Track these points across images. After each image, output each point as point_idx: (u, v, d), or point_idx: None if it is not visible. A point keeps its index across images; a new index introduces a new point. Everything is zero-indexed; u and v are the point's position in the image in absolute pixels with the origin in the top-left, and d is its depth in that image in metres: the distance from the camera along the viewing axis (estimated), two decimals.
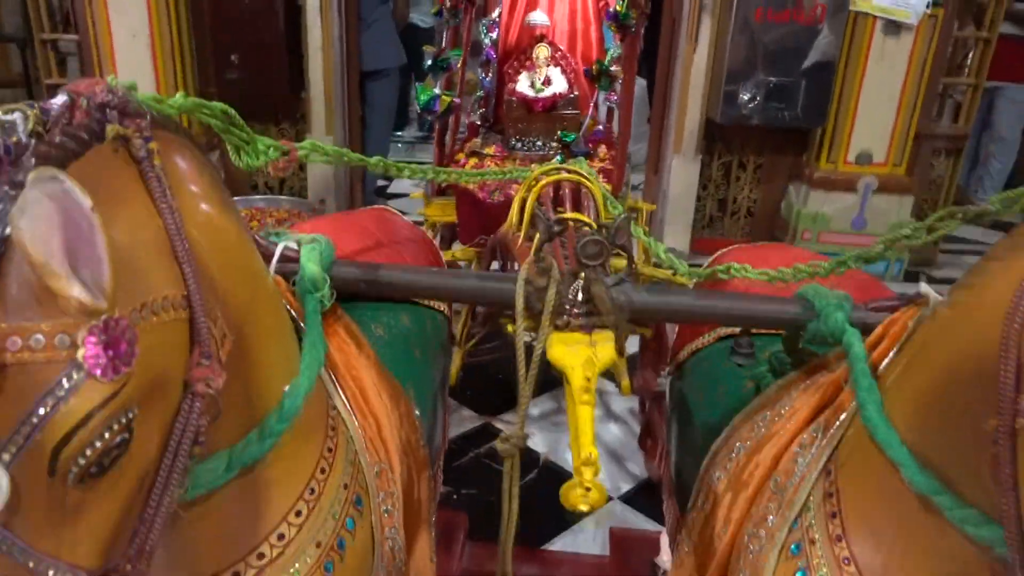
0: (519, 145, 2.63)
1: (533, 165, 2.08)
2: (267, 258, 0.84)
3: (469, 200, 2.15)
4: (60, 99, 0.52)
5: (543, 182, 1.24)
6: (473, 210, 2.13)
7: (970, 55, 3.91)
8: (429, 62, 1.99)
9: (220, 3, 3.40)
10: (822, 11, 3.55)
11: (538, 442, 2.37)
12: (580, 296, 0.78)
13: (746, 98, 3.70)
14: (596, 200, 1.20)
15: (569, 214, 1.07)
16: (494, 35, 2.87)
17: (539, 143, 2.64)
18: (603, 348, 0.77)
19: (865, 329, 0.84)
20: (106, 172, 0.50)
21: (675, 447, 1.17)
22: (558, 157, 2.18)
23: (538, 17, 2.87)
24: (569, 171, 1.29)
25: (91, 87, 0.53)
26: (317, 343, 0.77)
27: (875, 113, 3.76)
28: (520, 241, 1.16)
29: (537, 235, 0.92)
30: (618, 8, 1.92)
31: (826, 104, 3.71)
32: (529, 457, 2.31)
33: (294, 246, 0.88)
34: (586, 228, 0.99)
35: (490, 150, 2.67)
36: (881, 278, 4.08)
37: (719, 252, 1.33)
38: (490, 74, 2.92)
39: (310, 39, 3.65)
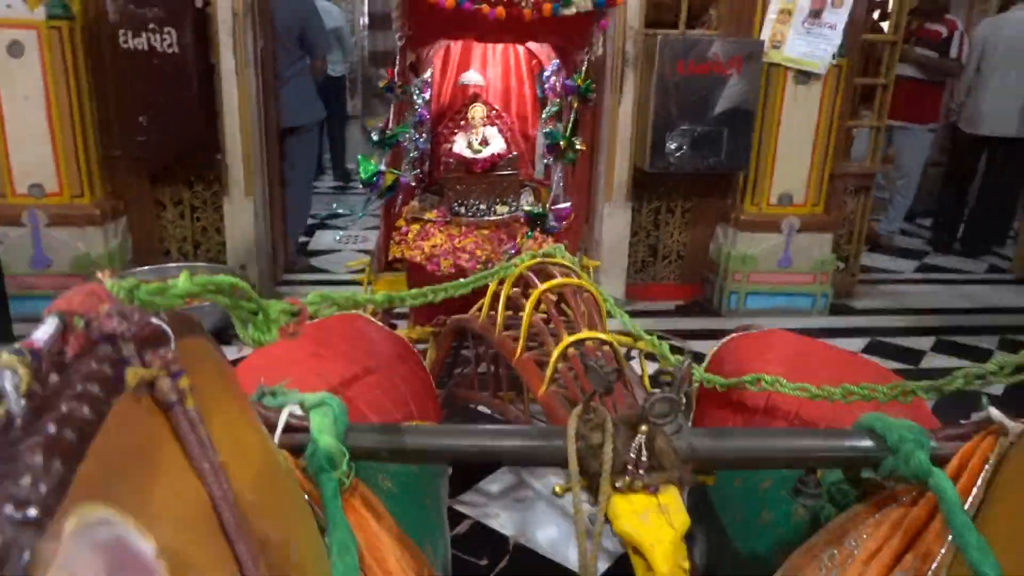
0: (462, 210, 2.54)
1: (493, 262, 2.00)
2: (270, 427, 0.71)
3: (423, 276, 2.03)
4: (48, 327, 0.39)
5: (540, 295, 1.12)
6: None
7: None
8: (376, 138, 1.87)
9: (127, 63, 3.17)
10: (738, 62, 3.67)
11: (504, 523, 2.25)
12: (643, 452, 0.68)
13: (673, 147, 3.77)
14: (599, 305, 1.10)
15: (587, 334, 0.97)
16: (427, 95, 2.79)
17: (483, 207, 2.56)
18: (676, 514, 0.68)
19: (939, 460, 0.79)
20: (130, 436, 0.38)
21: (704, 567, 1.09)
22: (528, 233, 2.10)
23: (472, 77, 2.82)
24: (572, 278, 1.17)
25: (88, 305, 0.40)
26: (348, 544, 0.65)
27: (793, 156, 3.91)
28: (519, 352, 1.06)
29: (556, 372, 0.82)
30: (578, 81, 1.88)
31: (747, 149, 3.83)
32: (496, 540, 2.18)
33: (298, 410, 0.75)
34: (604, 353, 0.90)
35: (431, 214, 2.57)
36: (808, 313, 4.24)
37: (721, 344, 1.28)
38: (424, 135, 2.84)
39: (226, 98, 3.46)
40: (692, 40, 3.69)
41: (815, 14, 3.66)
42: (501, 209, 2.51)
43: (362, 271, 3.06)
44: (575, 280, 1.09)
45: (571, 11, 1.58)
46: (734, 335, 1.29)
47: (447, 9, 1.55)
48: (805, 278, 4.11)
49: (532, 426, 1.07)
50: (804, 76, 3.78)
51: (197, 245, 3.86)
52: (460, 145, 2.78)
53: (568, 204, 2.15)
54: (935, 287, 4.85)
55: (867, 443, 0.81)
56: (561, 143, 1.89)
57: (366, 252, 4.96)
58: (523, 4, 1.56)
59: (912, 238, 5.97)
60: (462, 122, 2.86)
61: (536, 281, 1.17)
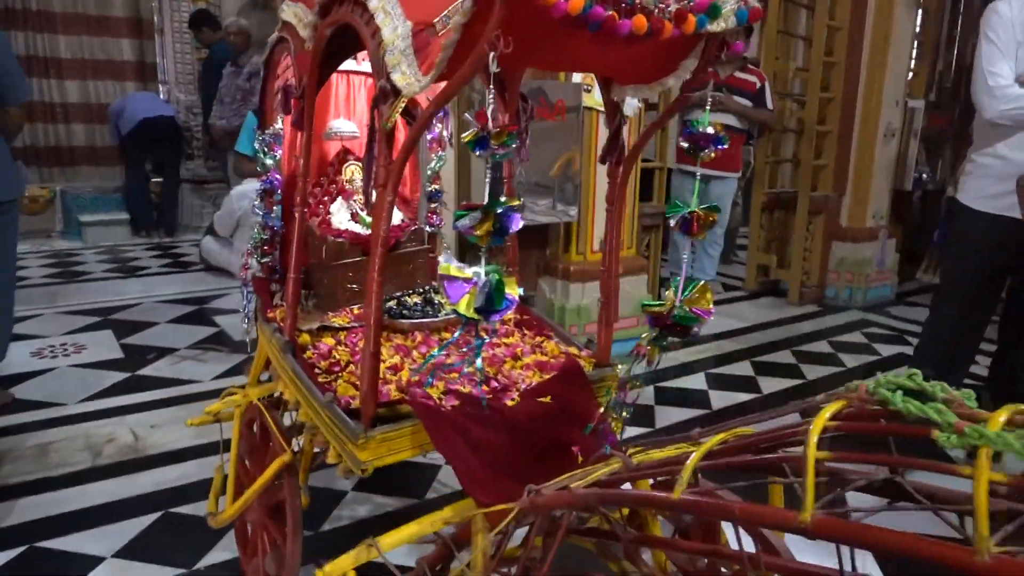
0: (392, 305, 1.84)
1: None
2: None
3: (439, 420, 1.30)
4: None
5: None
6: (470, 437, 1.29)
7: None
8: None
9: None
10: (562, 107, 3.47)
11: None
12: None
13: None
14: None
15: None
16: (278, 153, 2.01)
17: (415, 301, 1.89)
18: None
19: None
20: None
21: None
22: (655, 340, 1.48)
23: (343, 126, 2.12)
24: None
25: None
26: None
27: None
28: None
29: None
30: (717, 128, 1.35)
31: (577, 195, 3.64)
32: None
33: None
34: None
35: (340, 319, 1.82)
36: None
37: None
38: (275, 208, 2.05)
39: None
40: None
41: None
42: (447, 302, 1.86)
43: (215, 415, 2.12)
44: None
45: (717, 27, 1.12)
46: None
47: (565, 16, 0.97)
48: (630, 322, 4.04)
49: None
50: None
51: None
52: (341, 218, 2.07)
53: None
54: None
55: None
56: (697, 213, 1.35)
57: (86, 368, 3.64)
58: (662, 13, 1.06)
59: None
60: (332, 187, 2.14)
61: None
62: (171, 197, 7.05)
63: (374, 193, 1.36)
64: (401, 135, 2.17)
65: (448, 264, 1.06)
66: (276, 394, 1.89)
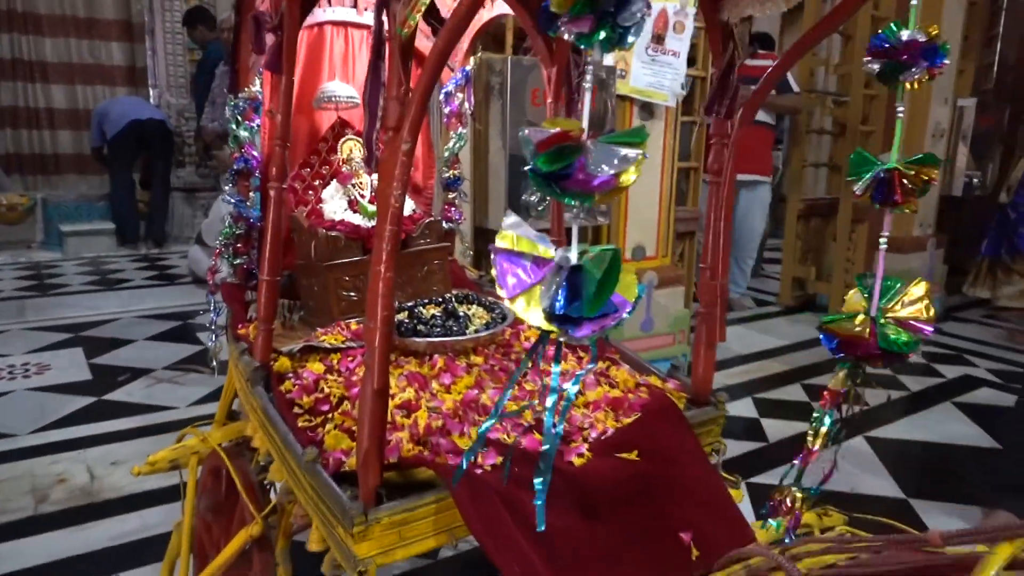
0: (403, 318, 1.38)
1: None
2: None
3: (478, 489, 0.83)
4: None
5: None
6: (525, 516, 0.83)
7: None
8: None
9: None
10: (591, 92, 3.03)
11: None
12: None
13: (534, 199, 2.95)
14: None
15: None
16: (256, 123, 1.57)
17: (434, 313, 1.42)
18: None
19: None
20: None
21: None
22: None
23: (340, 90, 1.67)
24: None
25: None
26: None
27: (642, 202, 3.39)
28: None
29: None
30: (927, 31, 0.89)
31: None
32: None
33: None
34: None
35: (332, 338, 1.36)
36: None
37: None
38: (252, 194, 1.60)
39: None
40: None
41: (657, 39, 3.19)
42: (478, 315, 1.40)
43: (169, 464, 1.66)
44: None
45: None
46: None
47: None
48: (666, 340, 3.59)
49: None
50: (647, 111, 3.29)
51: None
52: (335, 206, 1.61)
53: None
54: (730, 328, 4.74)
55: None
56: (899, 170, 0.88)
57: (47, 391, 3.18)
58: None
59: None
60: (324, 168, 1.69)
61: None
62: (160, 206, 6.62)
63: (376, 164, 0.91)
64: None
65: (510, 233, 0.61)
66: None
